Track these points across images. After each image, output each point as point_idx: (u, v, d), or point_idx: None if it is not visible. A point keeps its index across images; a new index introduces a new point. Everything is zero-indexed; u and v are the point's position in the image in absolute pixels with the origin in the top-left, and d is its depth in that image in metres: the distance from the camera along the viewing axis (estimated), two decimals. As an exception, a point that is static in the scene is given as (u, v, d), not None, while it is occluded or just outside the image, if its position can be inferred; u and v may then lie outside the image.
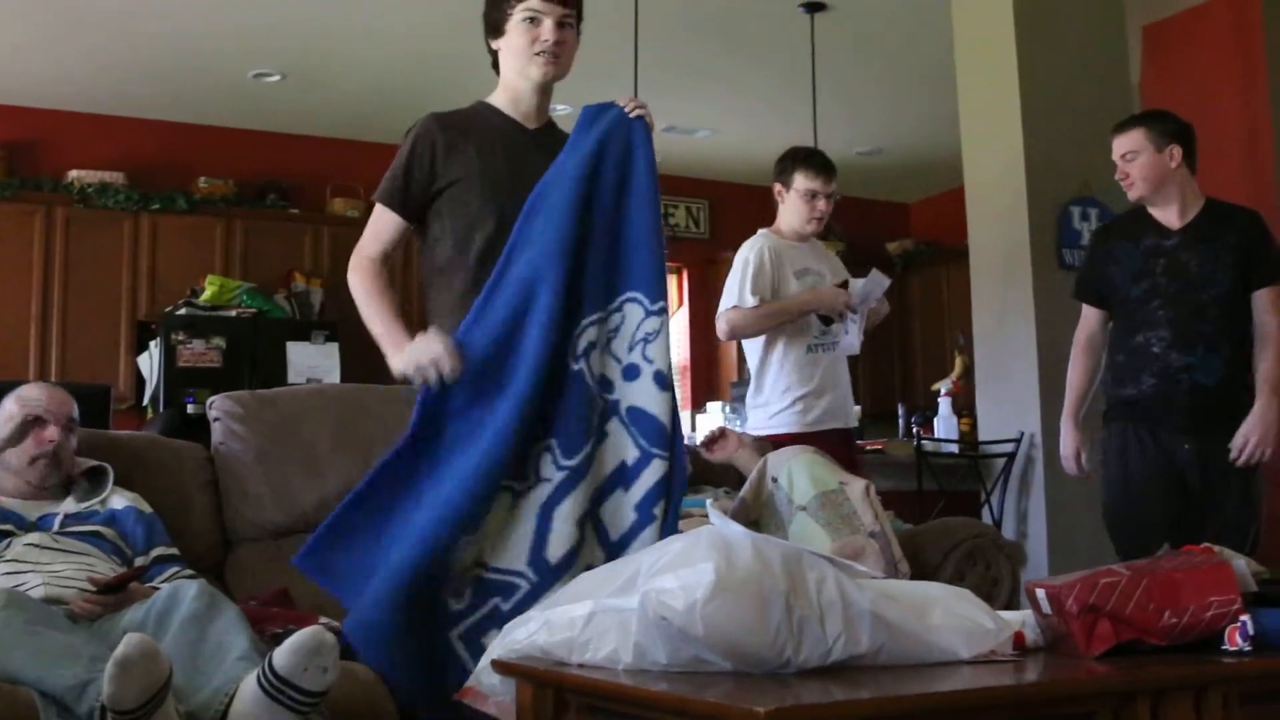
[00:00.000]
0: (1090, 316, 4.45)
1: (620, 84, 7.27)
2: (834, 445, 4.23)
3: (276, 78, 8.19)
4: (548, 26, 3.07)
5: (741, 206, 10.58)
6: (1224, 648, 2.25)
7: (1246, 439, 3.98)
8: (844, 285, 4.63)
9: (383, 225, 3.12)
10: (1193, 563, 2.28)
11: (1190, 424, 4.07)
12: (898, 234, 11.20)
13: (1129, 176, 4.21)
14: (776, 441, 4.43)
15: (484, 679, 2.51)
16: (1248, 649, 2.23)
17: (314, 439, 3.80)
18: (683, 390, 10.29)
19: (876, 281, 4.60)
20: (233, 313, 8.05)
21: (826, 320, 4.59)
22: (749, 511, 3.34)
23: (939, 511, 5.76)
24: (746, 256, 4.62)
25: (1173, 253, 4.15)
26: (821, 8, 7.30)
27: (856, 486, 3.31)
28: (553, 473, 2.87)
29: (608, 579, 2.29)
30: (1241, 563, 2.37)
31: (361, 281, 3.08)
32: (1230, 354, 4.09)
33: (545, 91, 3.19)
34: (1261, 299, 4.13)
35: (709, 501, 2.80)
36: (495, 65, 3.22)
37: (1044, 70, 6.12)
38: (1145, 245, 4.19)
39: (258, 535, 3.73)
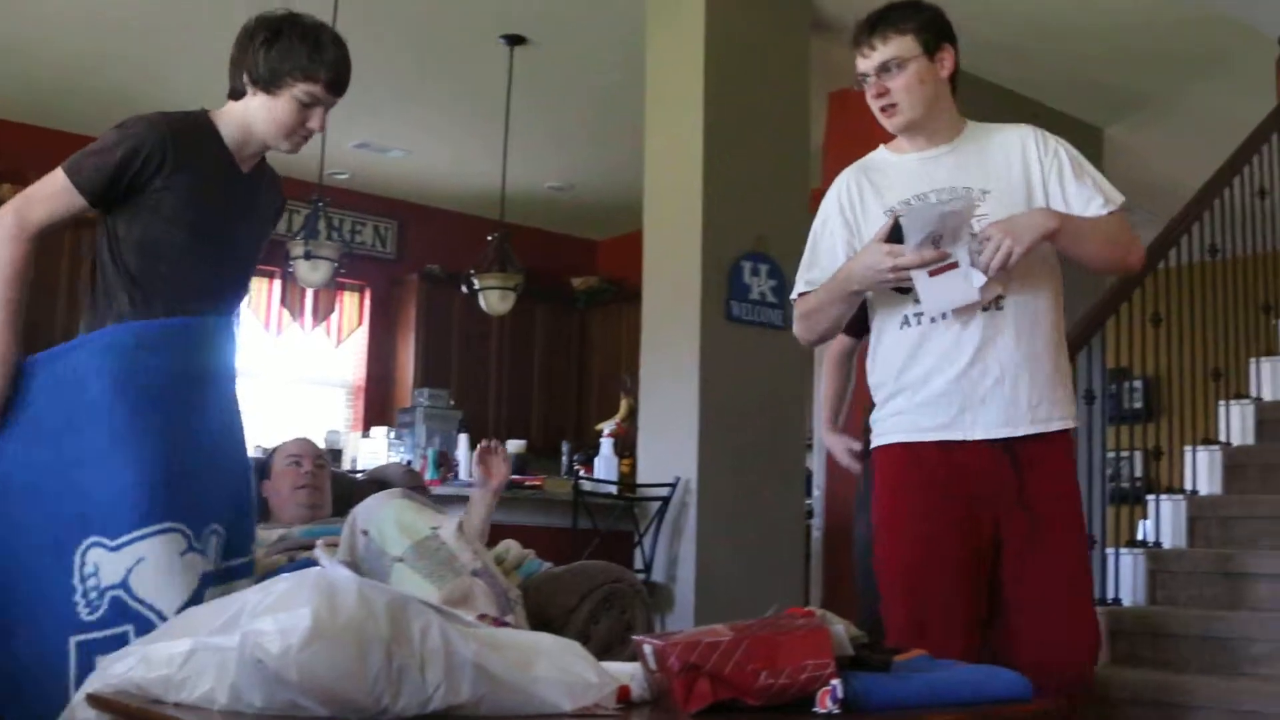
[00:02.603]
0: (842, 339, 4.24)
1: (311, 96, 7.15)
2: (976, 462, 2.98)
3: (-57, 51, 7.75)
4: (318, 116, 2.99)
5: (430, 229, 10.55)
6: (815, 710, 2.33)
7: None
8: (896, 231, 2.94)
9: (61, 203, 2.85)
10: (793, 625, 2.36)
11: None
12: (584, 270, 11.34)
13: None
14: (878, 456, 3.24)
15: (79, 713, 2.40)
16: (836, 711, 2.31)
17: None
18: (354, 412, 10.15)
19: (927, 213, 2.89)
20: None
21: (902, 289, 3.04)
22: (354, 570, 3.26)
23: (592, 550, 5.82)
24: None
25: None
26: (522, 41, 7.35)
27: (449, 527, 3.24)
28: (214, 557, 2.84)
29: (211, 616, 2.22)
30: (840, 627, 2.46)
31: (11, 251, 2.79)
32: None
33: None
34: None
35: (320, 543, 2.73)
36: (236, 91, 3.02)
37: (728, 127, 6.30)
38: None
39: None
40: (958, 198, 2.95)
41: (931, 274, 2.88)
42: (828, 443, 4.33)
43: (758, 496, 6.18)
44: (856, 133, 7.48)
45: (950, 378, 3.00)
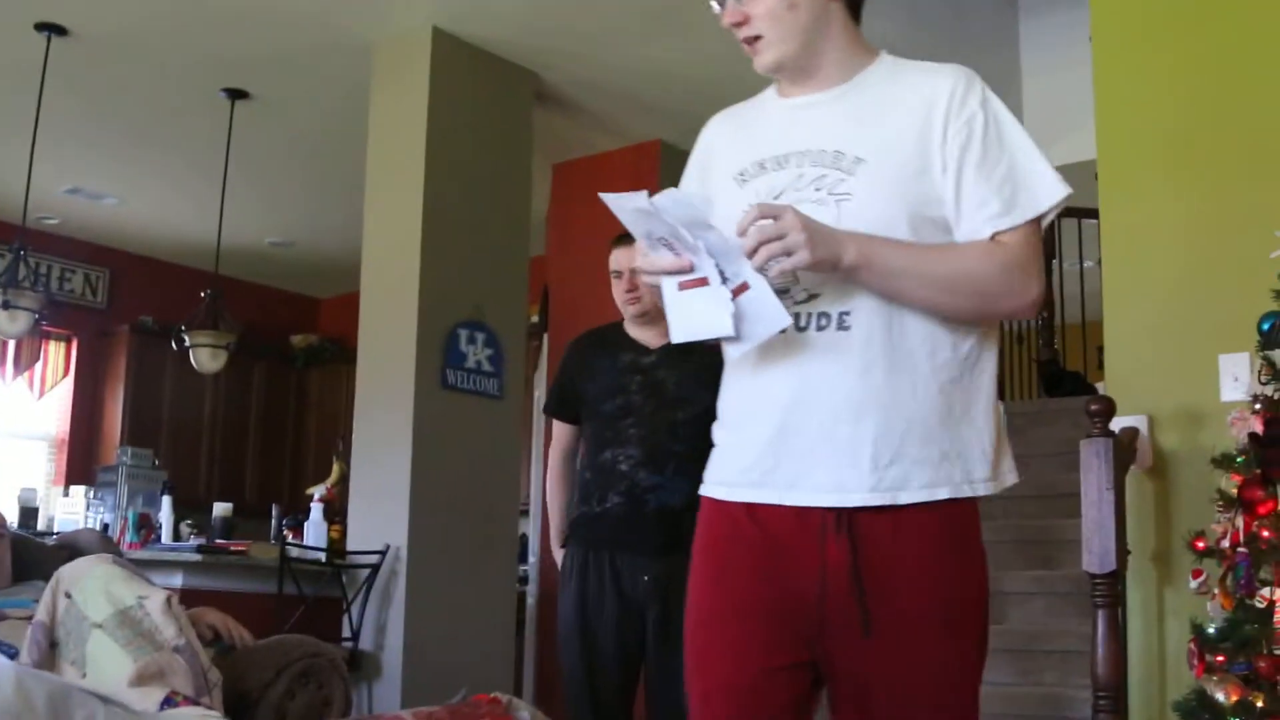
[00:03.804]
0: (563, 434, 4.25)
1: (20, 136, 6.89)
2: (792, 536, 2.12)
3: None
4: None
5: (145, 279, 10.23)
6: (498, 797, 2.32)
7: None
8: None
9: None
10: (478, 714, 2.35)
11: (653, 545, 3.90)
12: (306, 328, 11.16)
13: None
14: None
15: None
16: (520, 799, 2.31)
17: None
18: (57, 466, 9.71)
19: (621, 204, 2.04)
20: None
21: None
22: (49, 633, 3.14)
23: (298, 618, 5.69)
24: None
25: (650, 370, 4.01)
26: (244, 95, 7.22)
27: (156, 599, 3.17)
28: None
29: None
30: (525, 714, 2.46)
31: None
32: (701, 474, 3.93)
33: None
34: None
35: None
36: None
37: (449, 194, 6.31)
38: (622, 361, 4.04)
39: None
40: (678, 198, 2.04)
41: (682, 287, 2.09)
42: (559, 557, 4.32)
43: (470, 565, 6.16)
44: (579, 204, 7.71)
45: (765, 418, 2.17)
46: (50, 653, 2.97)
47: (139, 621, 3.01)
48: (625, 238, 4.09)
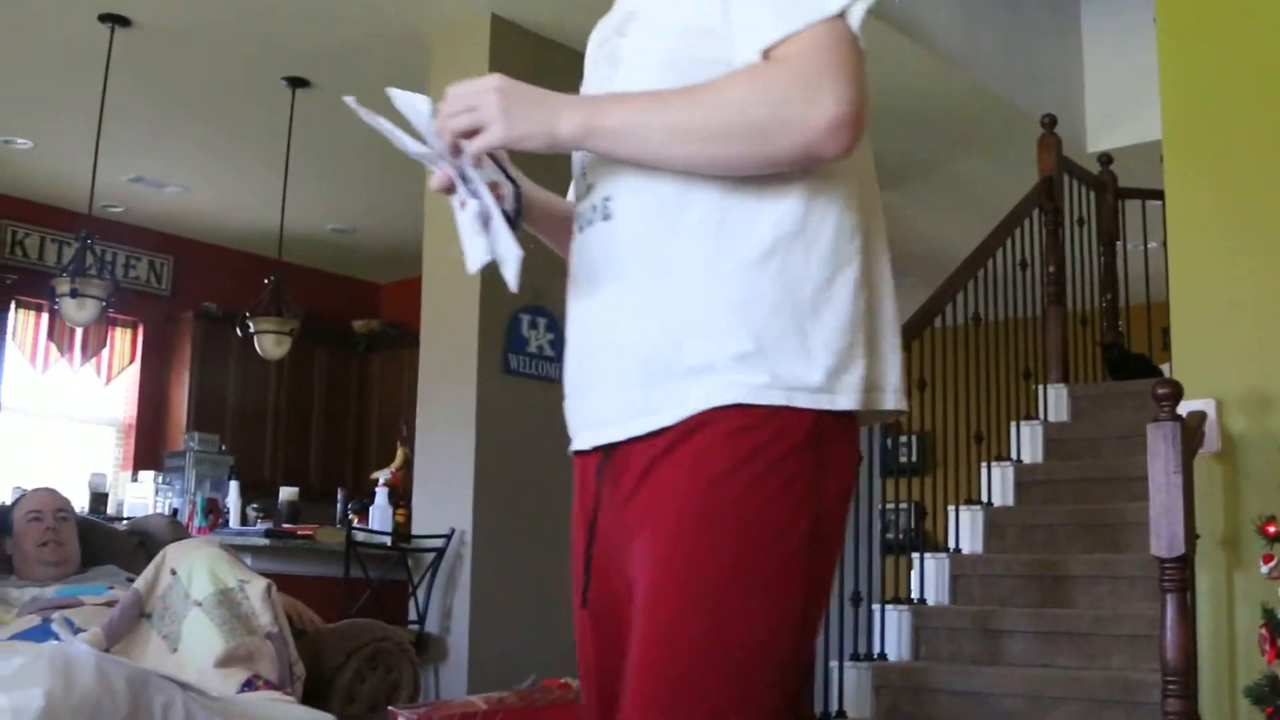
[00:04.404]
0: None
1: (85, 125, 6.97)
2: (588, 485, 1.73)
3: None
4: None
5: (208, 266, 10.33)
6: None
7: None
8: None
9: None
10: (548, 699, 2.37)
11: None
12: (367, 313, 11.23)
13: None
14: None
15: None
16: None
17: None
18: (125, 451, 9.83)
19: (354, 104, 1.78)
20: None
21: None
22: (142, 603, 3.23)
23: (364, 602, 5.74)
24: None
25: None
26: (305, 84, 7.27)
27: (257, 586, 3.26)
28: None
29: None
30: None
31: None
32: None
33: None
34: None
35: (57, 615, 2.66)
36: None
37: (510, 179, 6.31)
38: None
39: None
40: (402, 100, 1.76)
41: (463, 206, 1.73)
42: None
43: (533, 549, 6.18)
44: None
45: (568, 348, 1.80)
46: (138, 621, 3.04)
47: (238, 604, 3.08)
48: None
